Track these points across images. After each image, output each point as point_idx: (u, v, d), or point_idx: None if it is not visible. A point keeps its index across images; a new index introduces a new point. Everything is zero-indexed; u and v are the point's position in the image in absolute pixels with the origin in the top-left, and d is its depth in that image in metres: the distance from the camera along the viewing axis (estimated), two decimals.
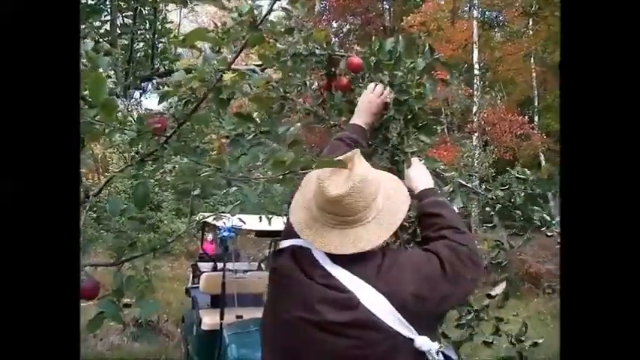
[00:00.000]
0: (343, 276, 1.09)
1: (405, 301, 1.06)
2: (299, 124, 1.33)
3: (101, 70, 1.19)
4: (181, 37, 1.12)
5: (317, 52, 1.91)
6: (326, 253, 1.12)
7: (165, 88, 1.29)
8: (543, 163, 12.72)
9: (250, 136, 1.44)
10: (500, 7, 14.73)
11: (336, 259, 1.11)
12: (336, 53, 1.87)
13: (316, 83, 2.08)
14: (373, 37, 1.78)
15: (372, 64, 1.64)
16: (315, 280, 1.10)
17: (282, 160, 1.08)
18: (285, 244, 1.24)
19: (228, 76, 1.18)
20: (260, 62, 2.00)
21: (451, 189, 1.67)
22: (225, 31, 1.16)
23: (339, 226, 1.13)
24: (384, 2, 16.39)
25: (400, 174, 1.47)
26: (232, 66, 1.19)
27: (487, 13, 15.99)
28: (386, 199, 1.17)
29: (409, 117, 1.58)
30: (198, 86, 1.26)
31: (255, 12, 1.18)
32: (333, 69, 1.94)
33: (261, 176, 1.21)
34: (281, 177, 1.14)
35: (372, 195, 1.14)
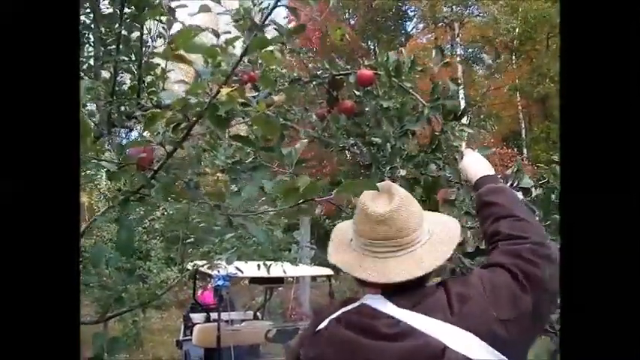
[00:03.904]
0: (416, 319, 0.90)
1: (494, 331, 0.88)
2: (305, 140, 1.14)
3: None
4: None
5: (319, 73, 1.80)
6: (388, 299, 0.94)
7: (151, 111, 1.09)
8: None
9: (249, 160, 1.26)
10: (481, 44, 15.10)
11: (400, 303, 0.93)
12: (340, 73, 1.75)
13: (313, 115, 1.96)
14: (377, 52, 1.72)
15: (393, 70, 1.53)
16: (382, 334, 0.90)
17: (294, 187, 0.87)
18: (323, 323, 1.00)
19: (226, 91, 0.98)
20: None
21: (515, 168, 1.51)
22: (228, 39, 0.97)
23: (394, 254, 0.96)
24: (369, 42, 16.74)
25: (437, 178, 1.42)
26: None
27: (469, 50, 16.39)
28: (435, 225, 1.03)
29: (446, 111, 1.52)
30: (191, 107, 1.06)
31: (254, 12, 1.00)
32: (335, 92, 1.81)
33: (270, 209, 1.00)
34: (295, 208, 0.93)
35: (419, 213, 1.00)
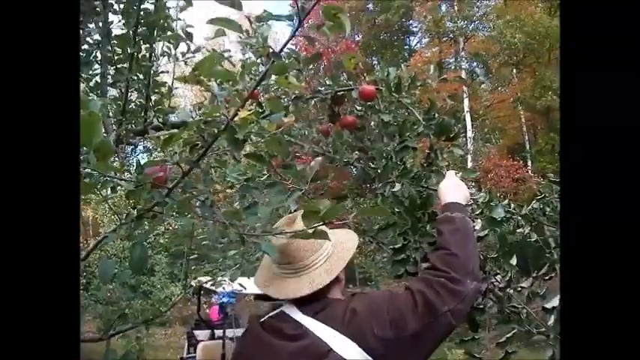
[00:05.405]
0: (313, 324, 1.08)
1: (372, 346, 1.03)
2: (320, 158, 1.17)
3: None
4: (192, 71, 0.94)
5: (322, 89, 1.81)
6: (296, 306, 1.13)
7: (169, 131, 1.10)
8: None
9: (263, 178, 1.27)
10: (485, 58, 15.20)
11: (305, 310, 1.12)
12: (342, 88, 1.76)
13: (314, 131, 1.99)
14: (377, 67, 1.74)
15: (393, 85, 1.53)
16: (285, 334, 1.10)
17: (315, 210, 0.88)
18: (252, 322, 1.23)
19: (243, 114, 1.00)
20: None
21: (487, 198, 1.51)
22: (246, 65, 0.99)
23: (295, 275, 1.16)
24: (373, 57, 16.87)
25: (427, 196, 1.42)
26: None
27: (473, 64, 16.48)
28: (335, 245, 1.20)
29: (439, 130, 1.52)
30: (208, 128, 1.08)
31: (270, 40, 1.02)
32: (337, 108, 1.83)
33: (287, 230, 1.01)
34: (311, 231, 0.93)
35: (316, 242, 1.15)
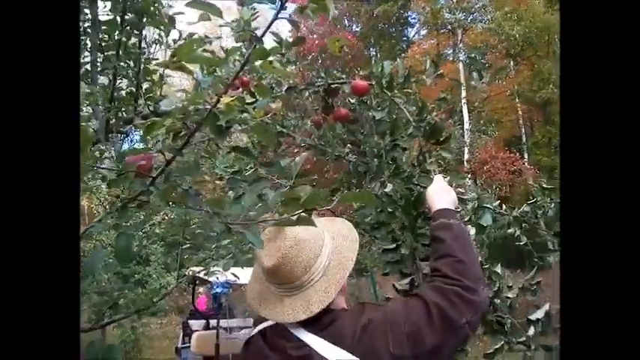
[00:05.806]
0: (319, 344, 0.99)
1: None
2: (305, 153, 1.14)
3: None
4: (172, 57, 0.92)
5: (316, 82, 1.78)
6: (299, 322, 1.04)
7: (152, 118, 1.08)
8: None
9: (249, 172, 1.25)
10: (483, 50, 15.17)
11: (309, 328, 1.03)
12: (335, 81, 1.74)
13: (309, 122, 1.97)
14: (373, 62, 1.70)
15: (385, 83, 1.50)
16: (289, 355, 1.02)
17: (295, 197, 0.86)
18: (256, 329, 1.15)
19: (226, 100, 0.98)
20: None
21: (475, 205, 1.50)
22: (229, 50, 0.96)
23: (288, 294, 1.07)
24: (371, 49, 16.80)
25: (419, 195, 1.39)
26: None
27: (471, 55, 16.44)
28: (333, 251, 1.10)
29: (429, 133, 1.48)
30: (191, 116, 1.06)
31: (254, 24, 1.00)
32: (330, 100, 1.81)
33: (270, 218, 0.99)
34: (295, 218, 0.91)
35: (310, 255, 1.06)
